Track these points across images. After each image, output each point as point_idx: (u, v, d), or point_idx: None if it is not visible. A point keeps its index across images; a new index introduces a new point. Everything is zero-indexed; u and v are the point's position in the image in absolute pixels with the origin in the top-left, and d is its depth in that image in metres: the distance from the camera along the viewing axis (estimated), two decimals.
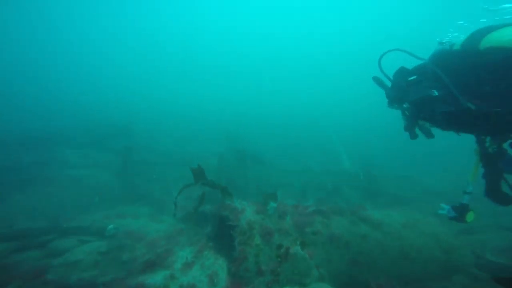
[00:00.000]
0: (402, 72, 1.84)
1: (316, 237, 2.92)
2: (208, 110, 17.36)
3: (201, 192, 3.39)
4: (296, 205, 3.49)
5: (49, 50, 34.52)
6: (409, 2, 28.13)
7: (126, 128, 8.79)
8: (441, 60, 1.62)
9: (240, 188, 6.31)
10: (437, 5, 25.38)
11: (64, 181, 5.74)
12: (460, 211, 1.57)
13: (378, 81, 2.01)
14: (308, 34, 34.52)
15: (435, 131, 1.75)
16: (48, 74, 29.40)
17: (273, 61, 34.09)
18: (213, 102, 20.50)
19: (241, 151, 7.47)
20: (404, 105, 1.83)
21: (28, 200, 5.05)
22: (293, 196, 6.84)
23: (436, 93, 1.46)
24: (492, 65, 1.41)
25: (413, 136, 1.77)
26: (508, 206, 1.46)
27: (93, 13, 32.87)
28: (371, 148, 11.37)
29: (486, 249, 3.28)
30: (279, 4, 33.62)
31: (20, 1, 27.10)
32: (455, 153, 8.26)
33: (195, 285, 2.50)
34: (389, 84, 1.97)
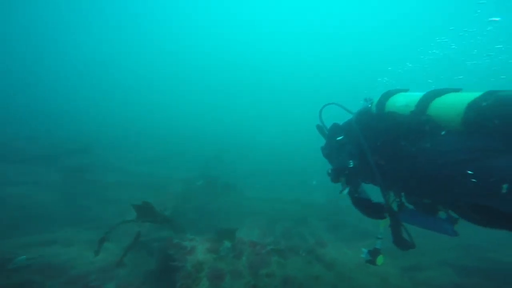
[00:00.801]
0: (333, 130, 1.96)
1: (269, 280, 2.82)
2: (187, 128, 17.00)
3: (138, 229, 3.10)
4: (254, 242, 3.40)
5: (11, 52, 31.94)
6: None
7: (86, 145, 8.16)
8: (362, 120, 1.79)
9: (207, 217, 6.04)
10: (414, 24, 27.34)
11: None
12: (373, 254, 1.68)
13: (321, 130, 2.11)
14: (294, 58, 35.41)
15: None
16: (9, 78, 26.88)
17: (259, 83, 33.83)
18: (193, 121, 20.16)
19: (212, 178, 7.31)
20: None
21: None
22: (261, 226, 6.72)
23: (352, 164, 1.58)
24: (387, 130, 1.59)
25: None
26: (409, 250, 1.65)
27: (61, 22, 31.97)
28: None
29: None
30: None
31: None
32: None
33: None
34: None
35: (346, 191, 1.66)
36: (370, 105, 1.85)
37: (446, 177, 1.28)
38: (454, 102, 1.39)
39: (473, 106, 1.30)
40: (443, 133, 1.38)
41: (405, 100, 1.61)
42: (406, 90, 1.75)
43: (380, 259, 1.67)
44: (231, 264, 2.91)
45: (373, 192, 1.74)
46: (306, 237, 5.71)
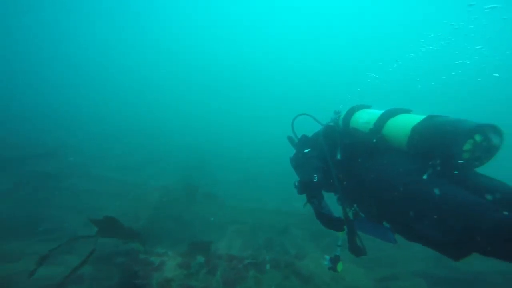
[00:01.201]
0: (302, 142, 2.02)
1: None
2: (170, 132, 16.36)
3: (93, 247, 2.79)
4: (231, 256, 3.24)
5: None
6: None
7: (54, 149, 7.47)
8: (328, 134, 1.85)
9: (185, 227, 5.73)
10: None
11: None
12: (334, 262, 1.76)
13: (292, 141, 2.14)
14: (284, 61, 34.72)
15: None
16: None
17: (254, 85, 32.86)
18: (177, 124, 19.46)
19: (192, 186, 7.03)
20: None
21: None
22: (243, 235, 6.54)
23: (316, 178, 1.62)
24: (348, 146, 1.69)
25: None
26: (361, 257, 1.74)
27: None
28: None
29: None
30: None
31: None
32: None
33: None
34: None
35: (309, 204, 1.70)
36: (338, 118, 1.94)
37: (387, 194, 1.36)
38: (403, 124, 1.49)
39: (415, 130, 1.40)
40: (392, 153, 1.49)
41: (366, 118, 1.71)
42: (369, 107, 1.86)
43: (340, 266, 1.74)
44: (203, 280, 2.72)
45: (330, 199, 1.79)
46: (287, 247, 5.62)
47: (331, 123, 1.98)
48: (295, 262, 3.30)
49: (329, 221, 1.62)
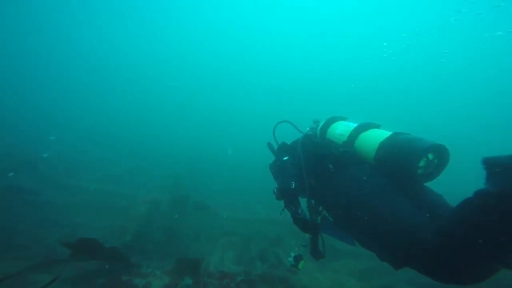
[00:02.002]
0: (281, 149, 2.11)
1: None
2: (157, 139, 15.93)
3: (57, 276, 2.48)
4: (223, 274, 3.08)
5: None
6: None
7: (29, 161, 7.02)
8: (305, 143, 1.96)
9: (175, 240, 5.48)
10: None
11: None
12: (297, 260, 1.86)
13: (271, 148, 2.20)
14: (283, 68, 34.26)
15: None
16: None
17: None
18: (165, 131, 18.97)
19: (182, 196, 6.80)
20: None
21: None
22: (235, 247, 6.34)
23: (293, 185, 1.74)
24: (322, 155, 1.79)
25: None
26: (319, 260, 1.86)
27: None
28: None
29: None
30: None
31: None
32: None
33: None
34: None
35: (287, 210, 1.81)
36: (316, 127, 2.06)
37: (353, 203, 1.50)
38: (372, 139, 1.62)
39: (380, 146, 1.54)
40: (361, 165, 1.63)
41: (341, 130, 1.84)
42: (345, 119, 1.99)
43: (301, 264, 1.85)
44: None
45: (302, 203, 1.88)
46: (281, 257, 5.48)
47: (310, 132, 2.08)
48: (289, 276, 3.18)
49: (304, 225, 1.72)
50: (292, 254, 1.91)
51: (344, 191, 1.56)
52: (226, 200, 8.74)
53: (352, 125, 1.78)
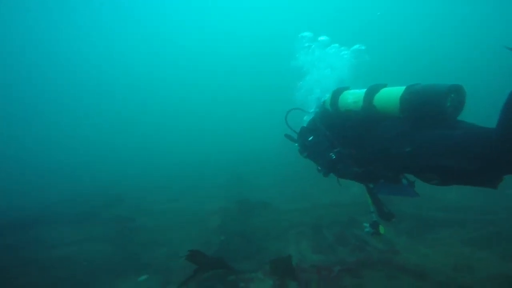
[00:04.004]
0: (303, 133, 2.24)
1: None
2: (204, 152, 17.06)
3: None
4: (318, 267, 2.97)
5: None
6: None
7: (117, 196, 8.41)
8: (323, 118, 2.08)
9: (254, 242, 5.67)
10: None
11: (49, 263, 5.07)
12: (375, 226, 1.92)
13: (289, 137, 2.33)
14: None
15: None
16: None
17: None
18: (210, 142, 20.09)
19: (244, 200, 7.02)
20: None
21: None
22: (308, 237, 6.24)
23: (334, 156, 1.86)
24: (350, 125, 1.89)
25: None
26: (391, 221, 1.95)
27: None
28: None
29: None
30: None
31: None
32: None
33: None
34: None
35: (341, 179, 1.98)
36: (323, 103, 2.15)
37: (395, 153, 1.61)
38: (390, 96, 1.72)
39: (404, 99, 1.64)
40: (388, 121, 1.71)
41: (353, 97, 1.91)
42: (348, 88, 2.05)
43: (382, 228, 1.93)
44: None
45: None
46: (363, 238, 5.14)
47: (318, 110, 2.19)
48: (392, 257, 2.89)
49: (358, 176, 1.86)
50: (366, 224, 1.98)
51: (386, 146, 1.64)
52: (281, 194, 8.74)
53: (360, 91, 1.87)
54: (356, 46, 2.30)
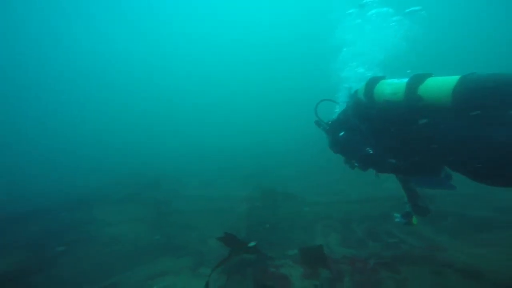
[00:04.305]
0: (334, 127, 2.16)
1: None
2: (229, 143, 17.66)
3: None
4: (352, 258, 2.89)
5: None
6: None
7: (155, 180, 9.26)
8: (356, 109, 1.96)
9: (280, 231, 5.76)
10: None
11: (104, 240, 5.81)
12: (407, 217, 1.93)
13: (319, 124, 2.30)
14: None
15: None
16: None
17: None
18: (236, 134, 20.72)
19: (270, 190, 7.09)
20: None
21: (73, 264, 4.98)
22: (336, 230, 6.09)
23: (371, 150, 1.81)
24: (391, 119, 1.76)
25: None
26: (427, 216, 1.91)
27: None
28: None
29: None
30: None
31: None
32: None
33: None
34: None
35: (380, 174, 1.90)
36: (354, 94, 2.01)
37: (450, 147, 1.54)
38: (441, 85, 1.59)
39: (459, 89, 1.51)
40: (440, 112, 1.60)
41: (392, 88, 1.77)
42: (383, 78, 1.90)
43: (414, 219, 1.92)
44: None
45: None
46: (397, 235, 4.84)
47: (351, 101, 2.05)
48: (435, 254, 2.66)
49: (399, 169, 1.79)
50: (398, 215, 1.96)
51: (442, 139, 1.55)
52: (306, 187, 8.62)
53: (401, 82, 1.74)
54: (410, 9, 2.14)
